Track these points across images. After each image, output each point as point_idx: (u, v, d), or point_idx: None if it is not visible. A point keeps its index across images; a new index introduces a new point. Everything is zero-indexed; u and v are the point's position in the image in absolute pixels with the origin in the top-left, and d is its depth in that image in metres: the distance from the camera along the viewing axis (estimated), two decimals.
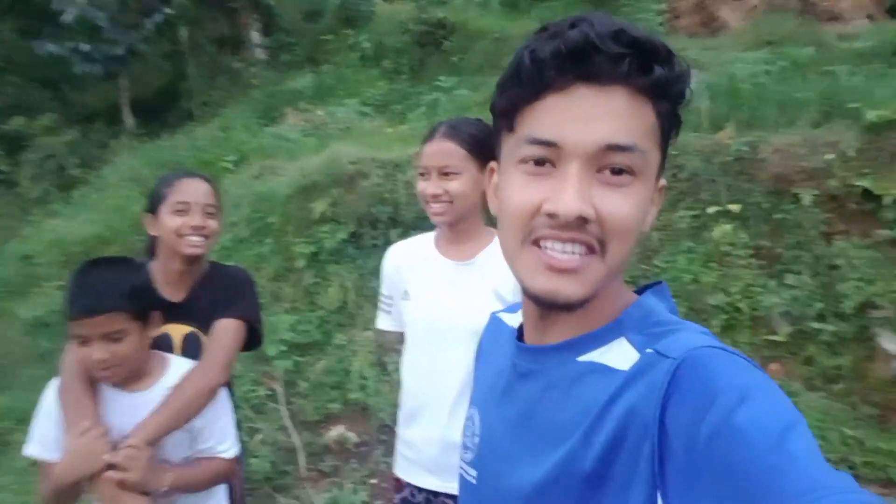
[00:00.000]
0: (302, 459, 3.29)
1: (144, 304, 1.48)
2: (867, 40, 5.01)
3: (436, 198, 1.60)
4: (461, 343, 1.60)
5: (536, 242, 0.67)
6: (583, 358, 0.71)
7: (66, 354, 1.56)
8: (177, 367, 1.59)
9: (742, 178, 3.90)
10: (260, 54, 10.35)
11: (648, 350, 0.65)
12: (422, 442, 1.70)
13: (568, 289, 0.66)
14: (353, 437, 3.60)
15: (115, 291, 1.40)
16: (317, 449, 3.55)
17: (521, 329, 0.83)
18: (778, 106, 4.41)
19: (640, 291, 0.77)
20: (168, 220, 1.71)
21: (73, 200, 7.75)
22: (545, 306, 0.70)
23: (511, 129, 0.70)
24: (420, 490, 1.72)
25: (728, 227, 3.75)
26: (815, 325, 3.35)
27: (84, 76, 9.83)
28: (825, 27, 6.63)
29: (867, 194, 3.53)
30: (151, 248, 1.84)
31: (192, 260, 1.75)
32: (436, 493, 1.68)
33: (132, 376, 1.51)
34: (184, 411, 1.53)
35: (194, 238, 1.72)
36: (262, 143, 7.10)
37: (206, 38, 10.78)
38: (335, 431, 3.63)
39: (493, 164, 0.80)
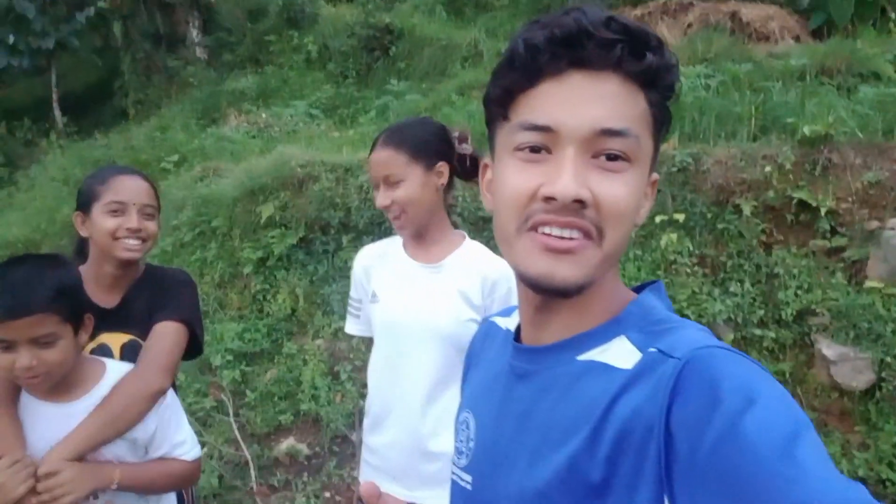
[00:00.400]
0: (253, 473, 3.18)
1: (75, 305, 1.33)
2: (799, 59, 5.28)
3: (387, 209, 1.58)
4: (427, 346, 1.59)
5: (534, 228, 0.67)
6: (582, 357, 0.70)
7: None
8: (115, 372, 1.45)
9: (686, 189, 4.04)
10: (199, 53, 10.05)
11: (651, 349, 0.65)
12: (385, 448, 1.68)
13: (565, 270, 0.66)
14: (304, 449, 3.51)
15: (46, 290, 1.26)
16: (266, 462, 3.44)
17: (518, 331, 0.82)
18: (718, 119, 4.60)
19: (637, 290, 0.77)
20: (102, 221, 1.57)
21: None
22: (541, 291, 0.70)
23: (506, 117, 0.70)
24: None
25: (674, 235, 3.87)
26: (758, 331, 3.50)
27: (9, 70, 9.28)
28: (756, 46, 6.97)
29: (803, 205, 3.71)
30: (81, 249, 1.71)
31: (126, 264, 1.62)
32: None
33: (63, 385, 1.36)
34: (118, 420, 1.38)
35: (131, 241, 1.58)
36: (204, 144, 6.90)
37: (140, 34, 10.37)
38: (285, 444, 3.53)
39: (485, 160, 0.80)
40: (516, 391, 0.76)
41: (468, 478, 0.80)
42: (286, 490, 3.22)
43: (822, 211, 3.61)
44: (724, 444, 0.53)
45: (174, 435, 1.49)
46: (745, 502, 0.51)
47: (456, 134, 1.65)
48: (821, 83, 4.95)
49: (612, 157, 0.65)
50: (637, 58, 0.65)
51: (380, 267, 1.73)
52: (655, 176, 0.74)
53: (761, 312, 3.56)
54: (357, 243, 4.37)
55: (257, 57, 9.48)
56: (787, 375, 3.36)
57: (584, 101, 0.65)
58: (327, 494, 3.19)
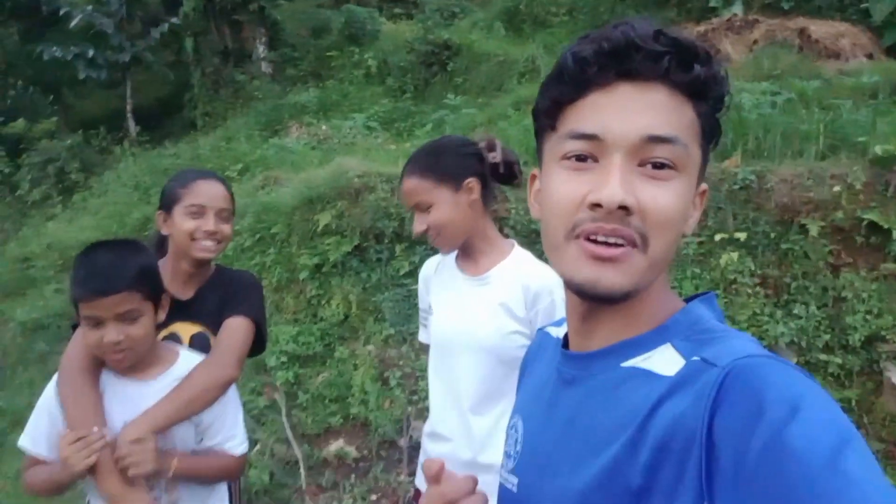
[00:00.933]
0: (302, 472, 3.24)
1: (155, 285, 1.46)
2: (871, 76, 5.09)
3: (424, 234, 1.60)
4: (471, 359, 1.61)
5: (580, 236, 0.67)
6: (627, 363, 0.70)
7: (69, 346, 1.52)
8: (186, 358, 1.57)
9: (749, 207, 3.93)
10: (264, 68, 10.42)
11: (695, 358, 0.64)
12: (445, 459, 1.69)
13: (610, 278, 0.66)
14: (352, 451, 3.55)
15: (129, 271, 1.38)
16: (316, 462, 3.49)
17: (566, 338, 0.83)
18: (784, 137, 4.46)
19: (688, 301, 0.76)
20: (182, 222, 1.69)
21: (72, 205, 7.73)
22: (587, 298, 0.70)
23: (553, 128, 0.72)
24: None
25: (734, 254, 3.77)
26: (822, 356, 3.35)
27: (87, 82, 9.84)
28: (826, 63, 6.75)
29: (874, 227, 3.56)
30: (160, 244, 1.82)
31: (201, 263, 1.74)
32: None
33: (141, 364, 1.47)
34: (192, 403, 1.49)
35: (207, 242, 1.70)
36: (266, 154, 7.12)
37: (210, 50, 10.84)
38: (335, 446, 3.58)
39: (534, 170, 0.81)
40: (563, 397, 0.77)
41: (514, 480, 0.81)
42: (333, 491, 3.26)
43: (894, 234, 3.45)
44: (768, 455, 0.52)
45: (230, 427, 1.56)
46: None
47: (482, 144, 1.65)
48: (894, 102, 4.75)
49: (658, 166, 0.66)
50: (685, 69, 0.65)
51: (436, 279, 1.76)
52: (704, 186, 0.74)
53: (827, 337, 3.42)
54: (409, 253, 4.42)
55: (319, 72, 9.78)
56: (853, 403, 3.21)
57: (631, 110, 0.66)
58: (374, 497, 3.21)
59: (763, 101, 4.98)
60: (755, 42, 7.55)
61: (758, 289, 3.70)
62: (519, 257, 1.65)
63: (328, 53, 9.78)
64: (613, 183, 0.64)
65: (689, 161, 0.67)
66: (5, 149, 8.83)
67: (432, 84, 8.57)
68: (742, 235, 3.79)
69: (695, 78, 0.65)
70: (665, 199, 0.66)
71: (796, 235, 3.73)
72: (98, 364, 1.49)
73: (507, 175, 1.66)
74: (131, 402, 1.45)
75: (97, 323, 1.37)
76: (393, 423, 3.64)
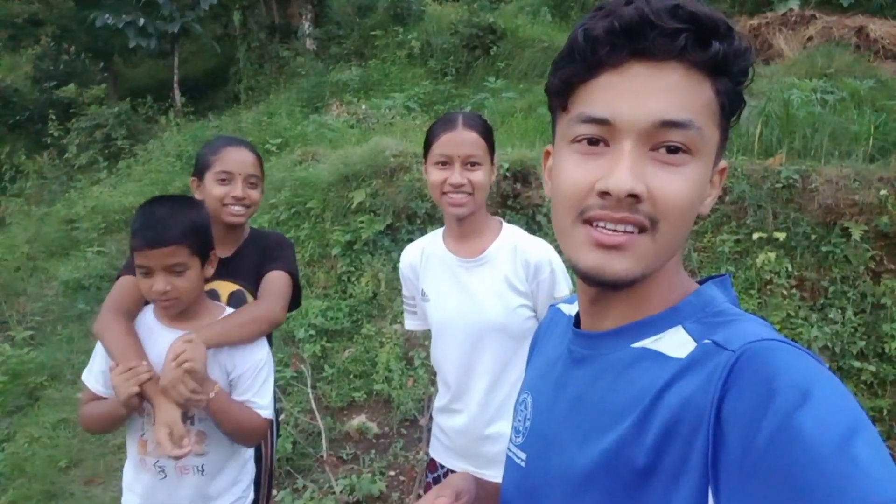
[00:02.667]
0: (324, 444, 3.30)
1: (204, 242, 1.53)
2: None
3: (458, 188, 1.57)
4: (483, 340, 1.64)
5: (588, 222, 0.66)
6: (637, 344, 0.70)
7: (110, 293, 1.63)
8: (229, 313, 1.63)
9: (790, 207, 3.83)
10: (309, 44, 10.47)
11: (706, 341, 0.63)
12: (454, 433, 1.74)
13: (615, 265, 0.65)
14: (374, 427, 3.60)
15: (179, 226, 1.46)
16: (338, 435, 3.56)
17: (578, 316, 0.83)
18: (832, 136, 4.33)
19: (701, 283, 0.75)
20: (212, 188, 1.78)
21: (117, 170, 7.93)
22: (592, 284, 0.69)
23: (565, 108, 0.70)
24: (454, 472, 1.74)
25: (772, 254, 3.69)
26: (856, 363, 3.27)
27: (137, 50, 10.04)
28: (883, 64, 6.50)
29: None
30: None
31: (231, 226, 1.83)
32: None
33: (187, 314, 1.56)
34: (242, 328, 1.58)
35: (236, 207, 1.79)
36: (305, 130, 7.19)
37: (257, 25, 10.95)
38: (357, 420, 3.64)
39: (548, 146, 0.81)
40: (572, 375, 0.77)
41: (523, 455, 0.82)
42: (353, 463, 3.32)
43: None
44: (777, 440, 0.52)
45: (260, 387, 1.60)
46: (797, 501, 0.49)
47: None
48: None
49: (672, 150, 0.64)
50: (703, 46, 0.62)
51: (425, 264, 1.75)
52: (723, 164, 0.72)
53: (862, 344, 3.33)
54: None
55: (363, 51, 9.79)
56: (885, 413, 3.13)
57: (643, 93, 0.63)
58: (392, 473, 3.26)
59: (813, 98, 4.84)
60: (810, 39, 7.30)
61: (794, 291, 3.62)
62: (512, 233, 1.67)
63: (372, 33, 9.78)
64: (622, 170, 0.63)
65: (705, 143, 0.65)
66: (56, 112, 9.08)
67: (474, 67, 8.51)
68: (781, 235, 3.71)
69: (713, 55, 0.62)
70: (677, 186, 0.64)
71: (838, 238, 3.63)
72: (136, 310, 1.60)
73: None
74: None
75: (147, 272, 1.46)
76: (415, 402, 3.68)
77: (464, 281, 1.66)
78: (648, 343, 0.69)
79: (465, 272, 1.66)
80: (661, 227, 0.65)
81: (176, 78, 10.19)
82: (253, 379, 1.58)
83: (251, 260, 1.84)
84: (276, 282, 1.78)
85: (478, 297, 1.63)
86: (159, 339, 1.54)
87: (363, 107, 7.81)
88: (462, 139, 1.58)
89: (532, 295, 1.61)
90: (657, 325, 0.70)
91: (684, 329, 0.67)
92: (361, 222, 4.75)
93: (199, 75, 11.83)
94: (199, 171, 1.82)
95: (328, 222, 4.94)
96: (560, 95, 0.70)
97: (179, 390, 1.42)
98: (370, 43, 9.72)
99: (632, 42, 0.63)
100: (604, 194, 0.64)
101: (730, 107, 0.67)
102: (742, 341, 0.60)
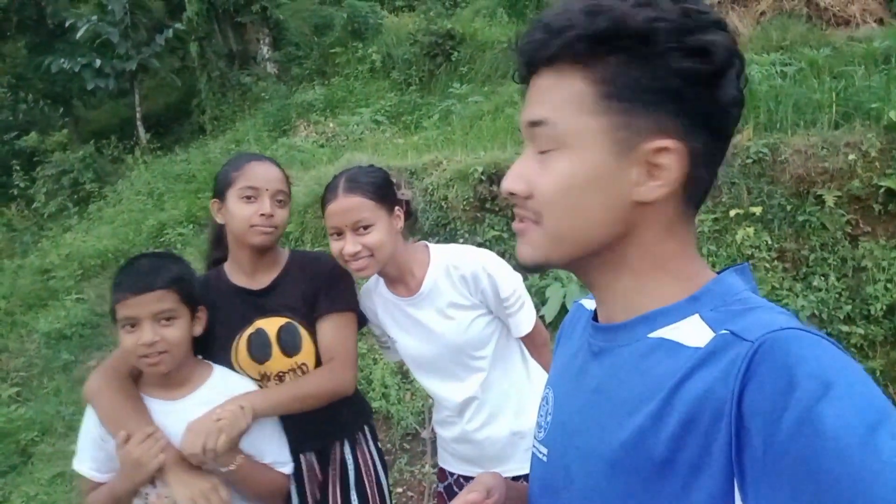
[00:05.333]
0: None
1: (191, 292, 1.43)
2: (882, 41, 4.99)
3: (355, 255, 1.53)
4: (454, 360, 1.67)
5: None
6: (654, 334, 0.69)
7: (95, 371, 1.48)
8: (220, 376, 1.50)
9: (763, 181, 3.88)
10: (270, 68, 10.44)
11: (723, 331, 0.63)
12: (455, 442, 1.78)
13: (521, 249, 0.74)
14: None
15: (167, 273, 1.39)
16: None
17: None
18: (795, 108, 4.40)
19: (721, 272, 0.75)
20: (237, 208, 1.57)
21: (88, 215, 7.82)
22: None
23: None
24: (465, 478, 1.78)
25: (750, 229, 3.73)
26: (844, 328, 3.32)
27: (96, 92, 9.93)
28: (835, 31, 6.63)
29: (891, 194, 3.51)
30: (218, 236, 1.74)
31: (261, 250, 1.62)
32: None
33: (173, 381, 1.43)
34: (300, 403, 1.48)
35: (265, 228, 1.57)
36: (275, 154, 7.13)
37: (215, 54, 10.87)
38: None
39: None
40: (591, 368, 0.77)
41: (544, 450, 0.82)
42: None
43: None
44: (799, 433, 0.51)
45: (279, 445, 1.51)
46: (821, 494, 0.49)
47: (394, 181, 1.64)
48: None
49: (544, 150, 0.70)
50: (568, 47, 0.67)
51: (381, 310, 1.73)
52: (657, 143, 0.65)
53: (848, 308, 3.38)
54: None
55: (324, 69, 9.77)
56: (878, 374, 3.17)
57: (527, 100, 0.72)
58: (399, 490, 3.23)
59: (773, 72, 4.91)
60: (762, 14, 7.43)
61: (775, 263, 3.66)
62: (441, 256, 1.65)
63: (332, 50, 9.77)
64: (509, 172, 0.73)
65: (571, 134, 0.67)
66: (20, 163, 8.94)
67: (437, 75, 8.53)
68: (757, 210, 3.75)
69: (567, 46, 0.66)
70: (545, 180, 0.69)
71: (812, 207, 3.68)
72: (135, 378, 1.46)
73: (409, 213, 1.68)
74: (160, 421, 1.40)
75: (133, 325, 1.35)
76: (415, 416, 3.66)
77: (416, 317, 1.66)
78: (665, 332, 0.68)
79: (413, 308, 1.65)
80: (544, 218, 0.70)
81: (138, 115, 10.09)
82: (269, 444, 1.49)
83: (299, 287, 1.64)
84: (341, 334, 1.61)
85: (433, 329, 1.64)
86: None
87: (331, 125, 7.79)
88: (345, 207, 1.53)
89: (485, 300, 1.63)
90: (674, 313, 0.69)
91: (701, 318, 0.67)
92: None
93: (162, 110, 11.72)
94: (220, 190, 1.61)
95: (308, 244, 4.91)
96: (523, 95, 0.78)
97: (208, 442, 1.30)
98: (331, 61, 9.70)
99: (531, 55, 0.71)
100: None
101: (637, 84, 0.64)
102: (761, 331, 0.59)
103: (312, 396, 1.52)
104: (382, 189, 1.57)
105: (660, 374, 0.65)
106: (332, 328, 1.62)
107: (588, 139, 0.67)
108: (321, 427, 1.62)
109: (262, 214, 1.57)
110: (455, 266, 1.62)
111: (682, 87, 0.64)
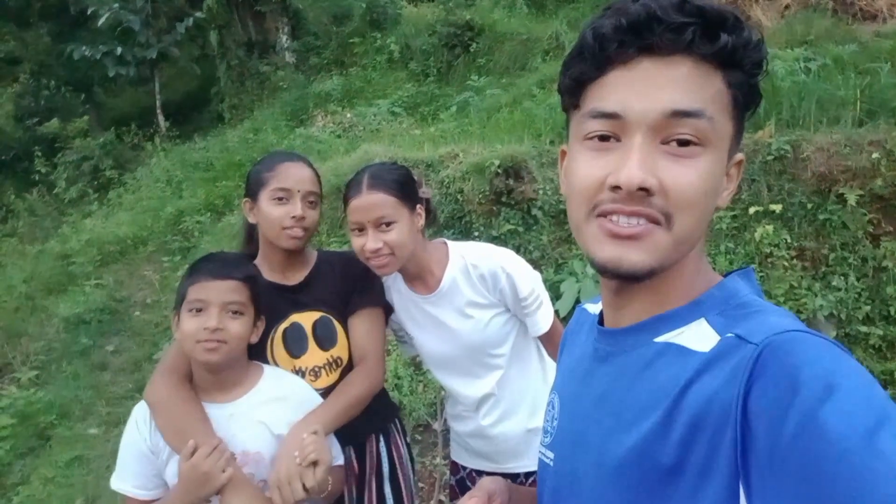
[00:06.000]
0: None
1: (258, 296, 1.44)
2: None
3: (376, 252, 1.53)
4: (471, 358, 1.68)
5: (602, 215, 0.67)
6: (660, 339, 0.69)
7: (152, 379, 1.46)
8: (271, 376, 1.50)
9: (784, 178, 3.83)
10: (288, 58, 10.46)
11: (729, 334, 0.63)
12: (468, 436, 1.79)
13: (632, 256, 0.65)
14: None
15: (241, 267, 1.42)
16: None
17: (602, 315, 0.83)
18: (819, 104, 4.33)
19: (725, 276, 0.75)
20: (269, 210, 1.58)
21: (108, 201, 7.91)
22: (611, 276, 0.70)
23: (577, 106, 0.71)
24: (478, 472, 1.80)
25: (770, 227, 3.69)
26: (863, 328, 3.28)
27: (116, 79, 10.03)
28: (861, 26, 6.50)
29: None
30: (249, 235, 1.76)
31: (291, 251, 1.64)
32: (491, 473, 1.72)
33: (227, 384, 1.42)
34: (350, 410, 1.51)
35: (296, 230, 1.58)
36: (293, 144, 7.17)
37: (234, 42, 10.92)
38: None
39: (563, 146, 0.80)
40: (597, 373, 0.77)
41: (551, 455, 0.82)
42: None
43: None
44: (803, 435, 0.51)
45: (331, 439, 1.51)
46: (823, 495, 0.49)
47: (416, 178, 1.64)
48: None
49: (683, 143, 0.64)
50: (710, 39, 0.63)
51: (397, 303, 1.75)
52: (740, 156, 0.71)
53: (867, 308, 3.33)
54: (439, 237, 4.43)
55: (342, 59, 9.78)
56: (895, 375, 3.13)
57: (652, 86, 0.64)
58: None
59: (796, 68, 4.83)
60: (787, 7, 7.31)
61: (795, 262, 3.62)
62: (459, 254, 1.65)
63: (350, 40, 9.77)
64: (632, 164, 0.63)
65: (717, 134, 0.65)
66: (41, 149, 9.06)
67: (455, 66, 8.51)
68: (777, 207, 3.71)
69: (721, 47, 0.63)
70: (688, 178, 0.63)
71: (834, 205, 3.63)
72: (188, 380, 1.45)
73: (429, 211, 1.67)
74: (215, 426, 1.38)
75: (200, 309, 1.34)
76: (427, 407, 3.67)
77: (433, 314, 1.66)
78: (671, 337, 0.68)
79: (432, 306, 1.66)
80: (676, 221, 0.64)
81: (158, 103, 10.18)
82: (331, 434, 1.50)
83: (331, 284, 1.68)
84: (373, 331, 1.65)
85: (452, 327, 1.65)
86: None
87: (348, 115, 7.80)
88: (368, 204, 1.53)
89: (502, 299, 1.63)
90: (679, 318, 0.69)
91: (707, 322, 0.67)
92: None
93: (181, 98, 11.81)
94: (253, 191, 1.62)
95: (324, 235, 4.93)
96: (572, 94, 0.71)
97: (296, 487, 1.29)
98: (349, 51, 9.71)
99: (639, 38, 0.63)
100: (615, 189, 0.64)
101: (744, 99, 0.67)
102: (765, 334, 0.59)
103: (360, 400, 1.55)
104: (405, 187, 1.57)
105: (666, 379, 0.65)
106: (364, 324, 1.65)
107: (725, 142, 0.67)
108: (360, 423, 1.63)
109: (294, 217, 1.57)
110: (474, 265, 1.62)
111: (756, 101, 0.68)
